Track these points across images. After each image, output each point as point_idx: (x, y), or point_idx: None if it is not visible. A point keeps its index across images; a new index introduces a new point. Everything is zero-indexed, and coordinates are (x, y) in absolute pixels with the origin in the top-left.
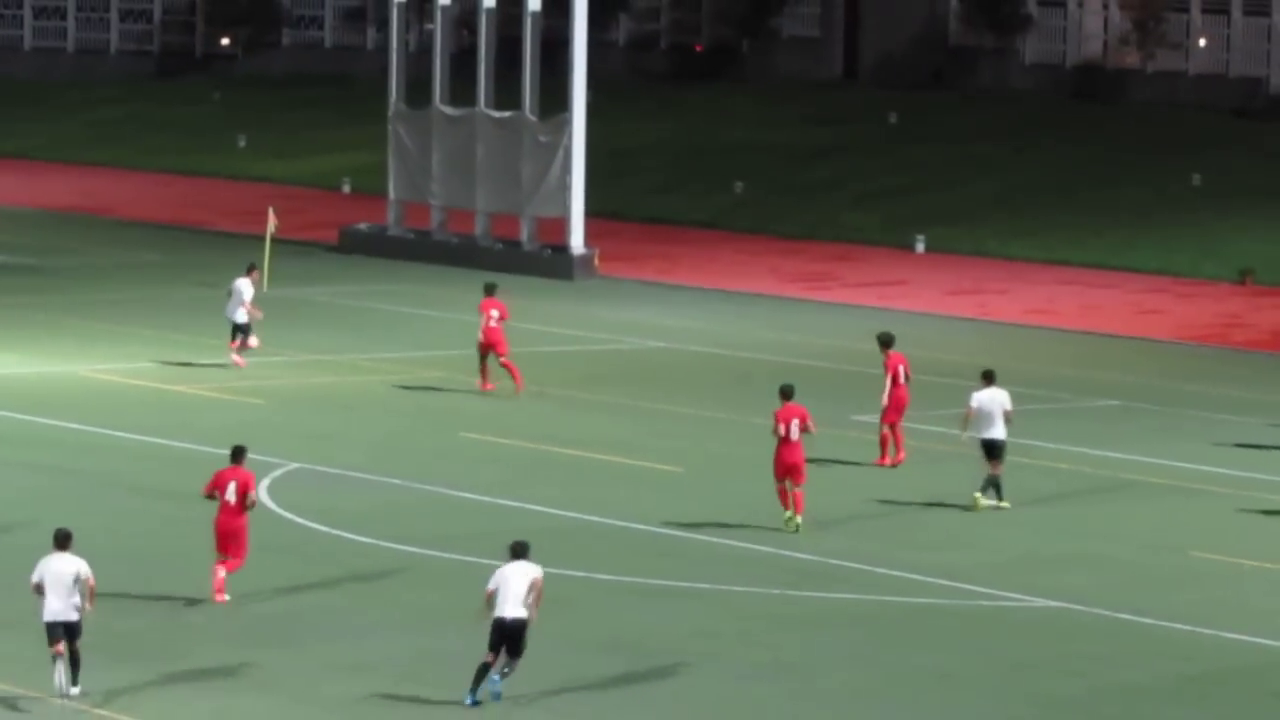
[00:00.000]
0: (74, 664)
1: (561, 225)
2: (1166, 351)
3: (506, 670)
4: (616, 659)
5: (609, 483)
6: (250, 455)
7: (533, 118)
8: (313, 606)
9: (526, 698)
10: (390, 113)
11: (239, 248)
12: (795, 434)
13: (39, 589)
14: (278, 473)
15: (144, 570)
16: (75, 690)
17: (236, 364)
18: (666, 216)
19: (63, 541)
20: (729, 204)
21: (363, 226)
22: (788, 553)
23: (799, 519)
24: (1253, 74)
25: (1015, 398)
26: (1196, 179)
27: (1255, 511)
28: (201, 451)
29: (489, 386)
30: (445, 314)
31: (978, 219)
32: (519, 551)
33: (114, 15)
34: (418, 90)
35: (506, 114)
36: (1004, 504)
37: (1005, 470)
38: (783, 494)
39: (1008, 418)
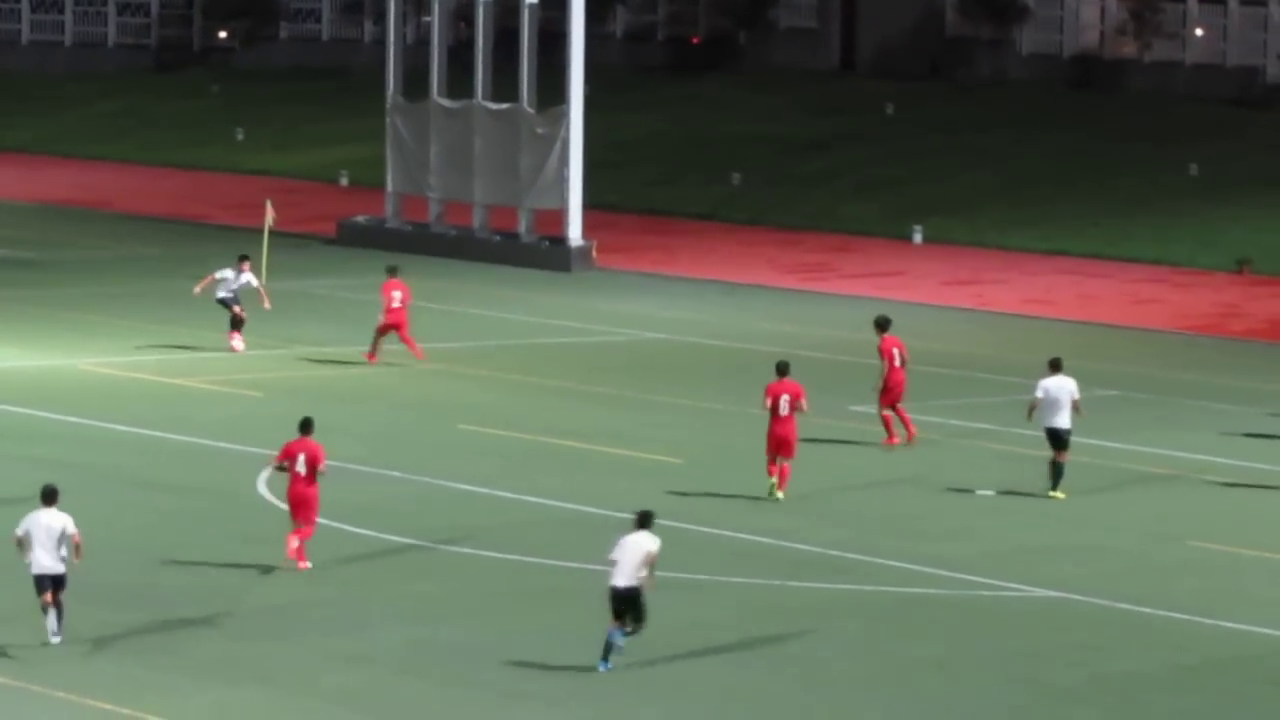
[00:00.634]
0: (58, 614)
1: (559, 217)
2: (1164, 341)
3: (630, 630)
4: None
5: (608, 474)
6: (247, 448)
7: (530, 110)
8: (311, 599)
9: (525, 691)
10: (388, 105)
11: (237, 241)
12: (785, 409)
13: (21, 543)
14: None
15: (143, 563)
16: (58, 639)
17: (235, 349)
18: (664, 208)
19: (49, 497)
20: (727, 195)
21: (361, 219)
22: (787, 543)
23: (780, 493)
24: (1250, 63)
25: (1013, 388)
26: (1194, 169)
27: (1254, 501)
28: (200, 445)
29: (375, 359)
30: (443, 306)
31: (975, 209)
32: (643, 521)
33: (111, 9)
34: (415, 83)
35: (504, 106)
36: (1059, 494)
37: (1010, 462)
38: (771, 466)
39: (1075, 406)
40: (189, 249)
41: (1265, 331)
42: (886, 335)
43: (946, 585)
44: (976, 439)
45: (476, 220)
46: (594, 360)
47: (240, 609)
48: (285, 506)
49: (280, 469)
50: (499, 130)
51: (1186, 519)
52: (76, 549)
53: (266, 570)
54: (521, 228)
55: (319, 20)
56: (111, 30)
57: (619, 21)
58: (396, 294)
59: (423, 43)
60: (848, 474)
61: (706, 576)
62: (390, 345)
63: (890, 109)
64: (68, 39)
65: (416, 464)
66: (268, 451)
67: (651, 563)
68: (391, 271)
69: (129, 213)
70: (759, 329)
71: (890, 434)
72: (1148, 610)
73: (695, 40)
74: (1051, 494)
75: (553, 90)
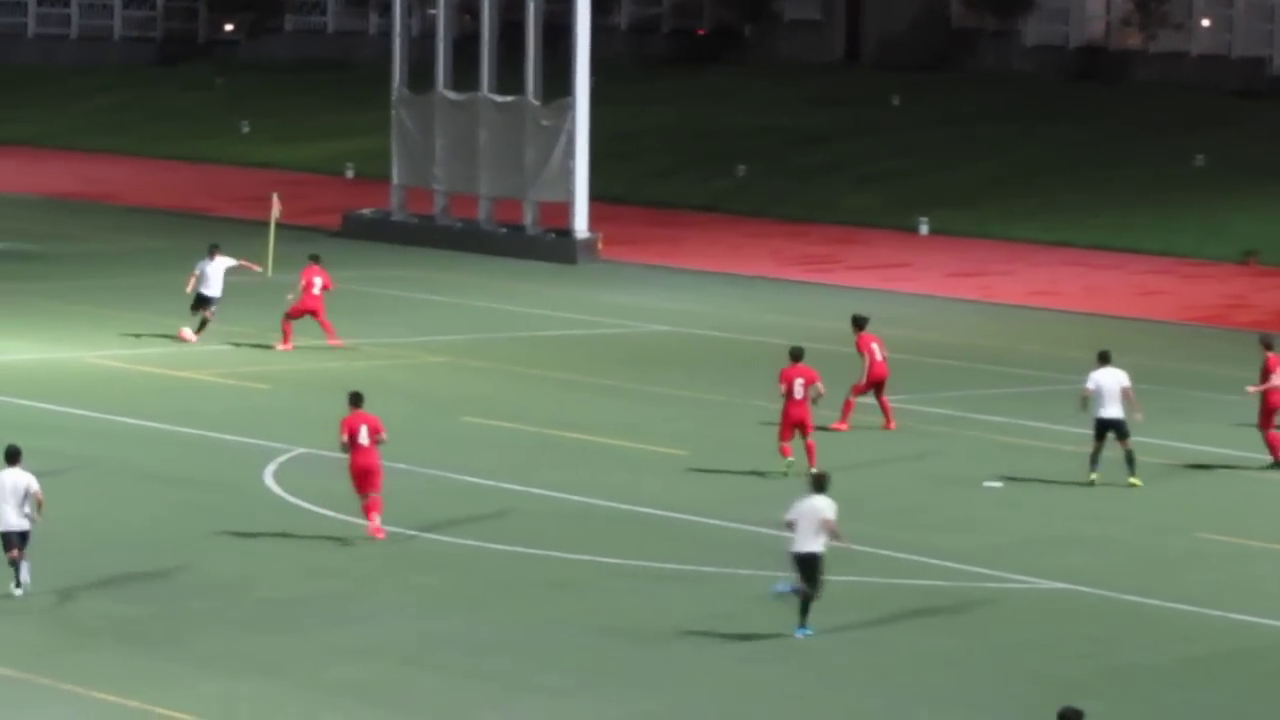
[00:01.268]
0: (25, 567)
1: (565, 209)
2: (1170, 332)
3: (809, 595)
4: (622, 642)
5: (613, 466)
6: (254, 440)
7: (535, 102)
8: (317, 591)
9: (532, 683)
10: (393, 98)
11: (243, 233)
12: (800, 393)
13: None
14: (283, 458)
15: (150, 555)
16: (19, 591)
17: (186, 338)
18: (669, 200)
19: (13, 457)
20: (731, 187)
21: (366, 212)
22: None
23: (815, 468)
24: (1255, 54)
25: (1018, 380)
26: (1199, 160)
27: (1261, 492)
28: (207, 437)
29: (289, 347)
30: (449, 299)
31: (981, 201)
32: (819, 485)
33: (117, 2)
34: (420, 75)
35: (509, 98)
36: (1136, 480)
37: (1017, 454)
38: (786, 446)
39: (1127, 395)
40: (195, 241)
41: (1272, 322)
42: (863, 333)
43: (953, 577)
44: (982, 430)
45: (482, 212)
46: (599, 352)
47: (247, 601)
48: (292, 498)
49: (344, 449)
50: (504, 122)
51: (1193, 510)
52: (39, 506)
53: (272, 562)
54: (527, 220)
55: (324, 12)
56: (117, 23)
57: (624, 13)
58: (317, 279)
59: (428, 35)
60: (853, 466)
61: (713, 569)
62: (394, 339)
63: (895, 100)
64: (73, 32)
65: (422, 456)
66: (275, 444)
67: (831, 529)
68: (314, 259)
69: (135, 205)
70: (764, 321)
71: (843, 419)
72: (1155, 602)
73: (700, 32)
74: (1131, 481)
75: (558, 82)
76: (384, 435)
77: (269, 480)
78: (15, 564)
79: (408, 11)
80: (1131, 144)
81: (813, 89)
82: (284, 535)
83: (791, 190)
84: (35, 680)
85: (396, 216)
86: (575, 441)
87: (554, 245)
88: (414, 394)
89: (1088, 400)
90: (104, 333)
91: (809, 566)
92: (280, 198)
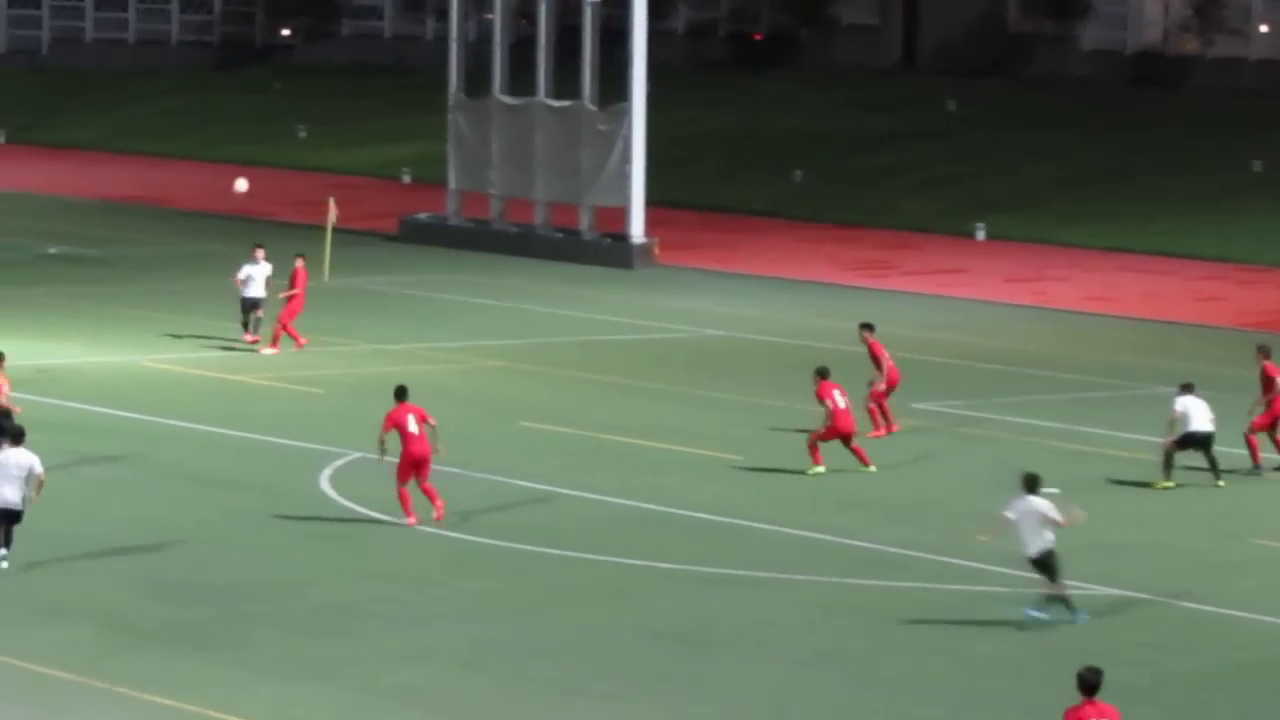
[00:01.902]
0: (7, 542)
1: (621, 214)
2: (1227, 338)
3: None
4: (676, 647)
5: (668, 471)
6: (308, 444)
7: (592, 107)
8: (372, 595)
9: (586, 688)
10: (450, 102)
11: (299, 237)
12: (843, 402)
13: None
14: (339, 462)
15: (204, 559)
16: (4, 565)
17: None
18: (725, 205)
19: (19, 437)
20: (788, 192)
21: (422, 216)
22: (847, 541)
23: (872, 466)
24: None
25: (1075, 385)
26: (1257, 165)
27: None
28: (262, 441)
29: (305, 341)
30: (504, 303)
31: (1037, 206)
32: (1032, 485)
33: (174, 6)
34: (477, 80)
35: (566, 103)
36: (1221, 483)
37: (1073, 460)
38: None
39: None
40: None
41: None
42: (874, 339)
43: (1008, 583)
44: (1039, 436)
45: (538, 217)
46: (654, 357)
47: (302, 605)
48: (347, 502)
49: (381, 446)
50: (560, 127)
51: (1250, 517)
52: (39, 487)
53: (328, 567)
54: (583, 224)
55: (381, 17)
56: (174, 28)
57: (681, 18)
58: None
59: (484, 40)
60: (908, 472)
61: (767, 574)
62: (450, 343)
63: (952, 105)
64: (131, 36)
65: (477, 460)
66: (330, 448)
67: (1058, 522)
68: (301, 256)
69: (191, 210)
70: (819, 326)
71: (879, 426)
72: (1210, 609)
73: (757, 37)
74: (1218, 484)
75: (614, 87)
76: (433, 421)
77: (324, 484)
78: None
79: (464, 16)
80: (1189, 149)
81: (869, 94)
82: (339, 539)
83: (848, 195)
84: (90, 684)
85: (453, 221)
86: (630, 446)
87: (610, 250)
88: (469, 398)
89: (1174, 424)
90: (159, 337)
91: (1045, 564)
92: (336, 202)
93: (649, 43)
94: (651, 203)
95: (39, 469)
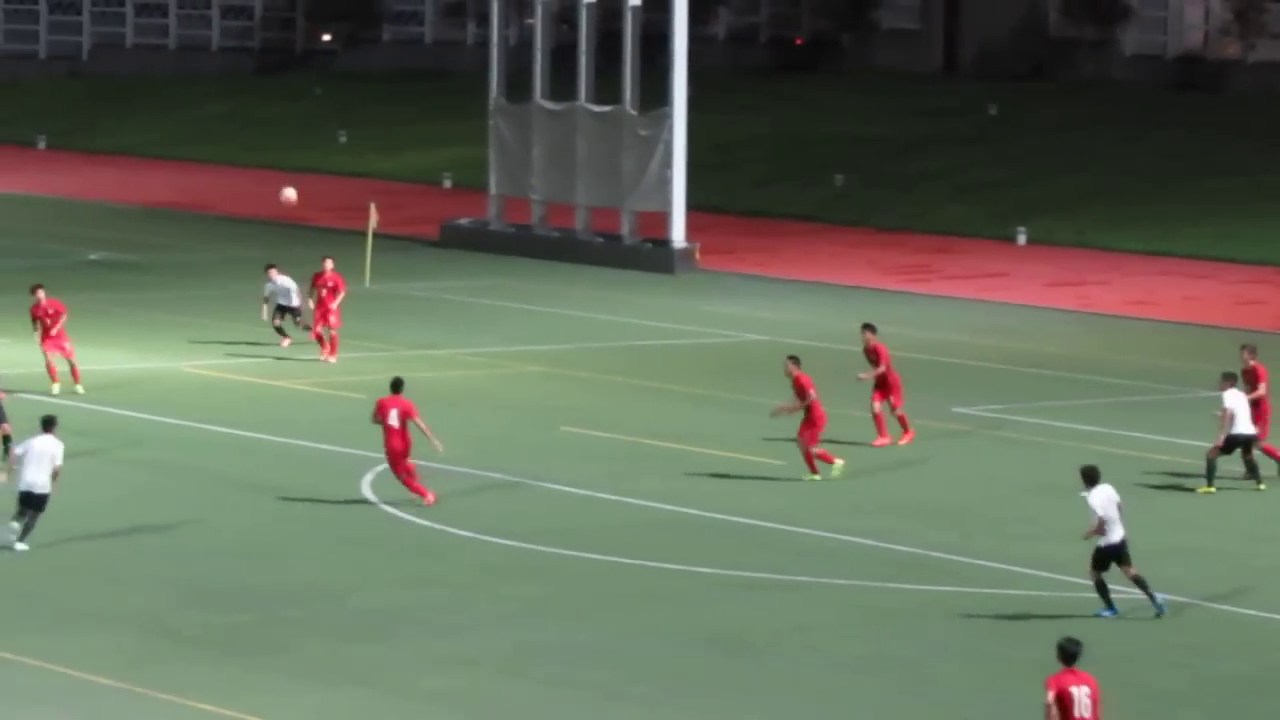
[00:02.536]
0: (29, 527)
1: (662, 219)
2: (1268, 342)
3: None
4: (718, 652)
5: (710, 476)
6: (351, 450)
7: (633, 112)
8: (414, 600)
9: (628, 693)
10: (491, 107)
11: (340, 243)
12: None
13: (19, 460)
14: (380, 467)
15: (247, 564)
16: (23, 546)
17: (286, 343)
18: (767, 210)
19: (49, 424)
20: (829, 197)
21: (464, 221)
22: (889, 545)
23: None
24: None
25: (1116, 389)
26: None
27: None
28: (302, 447)
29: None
30: (546, 308)
31: (1079, 210)
32: (1094, 478)
33: (215, 12)
34: (518, 85)
35: (607, 108)
36: (1262, 485)
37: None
38: (818, 455)
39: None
40: (291, 251)
41: None
42: (877, 341)
43: (1049, 587)
44: (1080, 440)
45: (579, 222)
46: (696, 362)
47: (343, 611)
48: (389, 508)
49: (376, 423)
50: (602, 132)
51: None
52: (55, 476)
53: (368, 572)
54: (624, 229)
55: (421, 22)
56: (215, 33)
57: (721, 23)
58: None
59: (525, 45)
60: (950, 475)
61: (808, 578)
62: (491, 348)
63: (993, 110)
64: (172, 42)
65: (519, 466)
66: (371, 454)
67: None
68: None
69: (232, 215)
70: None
71: (882, 432)
72: (1252, 612)
73: (798, 41)
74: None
75: (655, 92)
76: (416, 419)
77: (365, 489)
78: (25, 521)
79: (505, 22)
80: (1230, 153)
81: (910, 98)
82: (380, 545)
83: (889, 200)
84: (133, 690)
85: (494, 226)
86: (671, 451)
87: (651, 255)
88: (511, 404)
89: (1225, 423)
90: (199, 342)
91: (1121, 552)
92: (377, 207)
93: (690, 47)
94: (692, 207)
95: (59, 460)
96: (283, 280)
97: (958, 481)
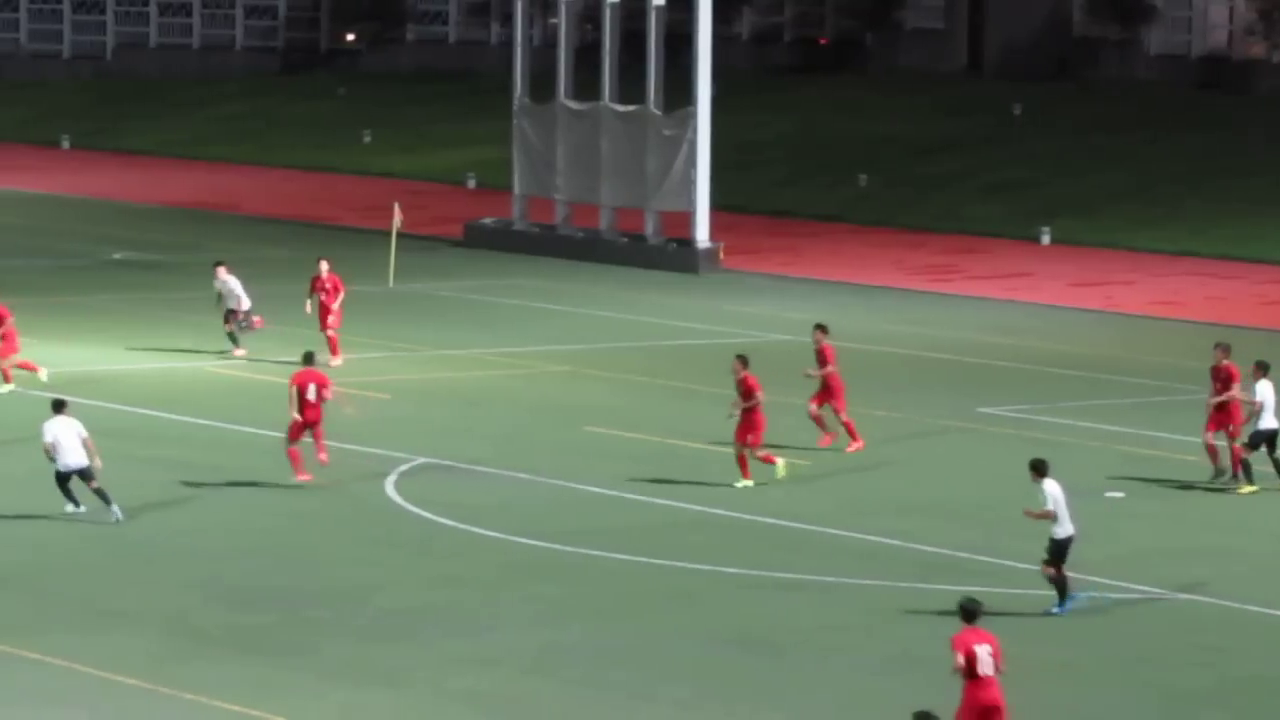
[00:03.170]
0: (103, 499)
1: (686, 219)
2: None
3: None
4: (744, 653)
5: (735, 476)
6: (374, 450)
7: (657, 112)
8: (439, 600)
9: (653, 694)
10: (515, 107)
11: (364, 243)
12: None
13: (53, 448)
14: (404, 467)
15: (271, 564)
16: (117, 513)
17: (239, 353)
18: (791, 209)
19: (60, 406)
20: (853, 197)
21: (487, 221)
22: (916, 545)
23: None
24: None
25: (1142, 390)
26: None
27: None
28: (329, 446)
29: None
30: (570, 308)
31: (1103, 211)
32: (1043, 470)
33: (239, 12)
34: (542, 85)
35: (631, 108)
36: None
37: (1139, 464)
38: (760, 458)
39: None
40: (316, 251)
41: None
42: (827, 342)
43: (1074, 588)
44: (1105, 441)
45: (603, 222)
46: (720, 362)
47: (368, 611)
48: (413, 508)
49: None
50: (626, 132)
51: None
52: (92, 449)
53: (394, 572)
54: (648, 229)
55: (445, 22)
56: (239, 33)
57: (745, 23)
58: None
59: (549, 45)
60: (975, 476)
61: (834, 579)
62: (515, 348)
63: (1018, 109)
64: (195, 42)
65: (543, 466)
66: (396, 453)
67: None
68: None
69: (256, 215)
70: (885, 330)
71: (826, 432)
72: (1277, 613)
73: (822, 41)
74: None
75: (679, 92)
76: (328, 393)
77: (390, 490)
78: (100, 494)
79: (529, 21)
80: (1254, 153)
81: (935, 98)
82: (404, 545)
83: (913, 200)
84: (158, 690)
85: (518, 226)
86: (695, 450)
87: (675, 255)
88: (535, 404)
89: (1258, 413)
90: (224, 342)
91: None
92: (401, 207)
93: (714, 47)
94: (716, 207)
95: (84, 431)
96: (231, 280)
97: (982, 482)
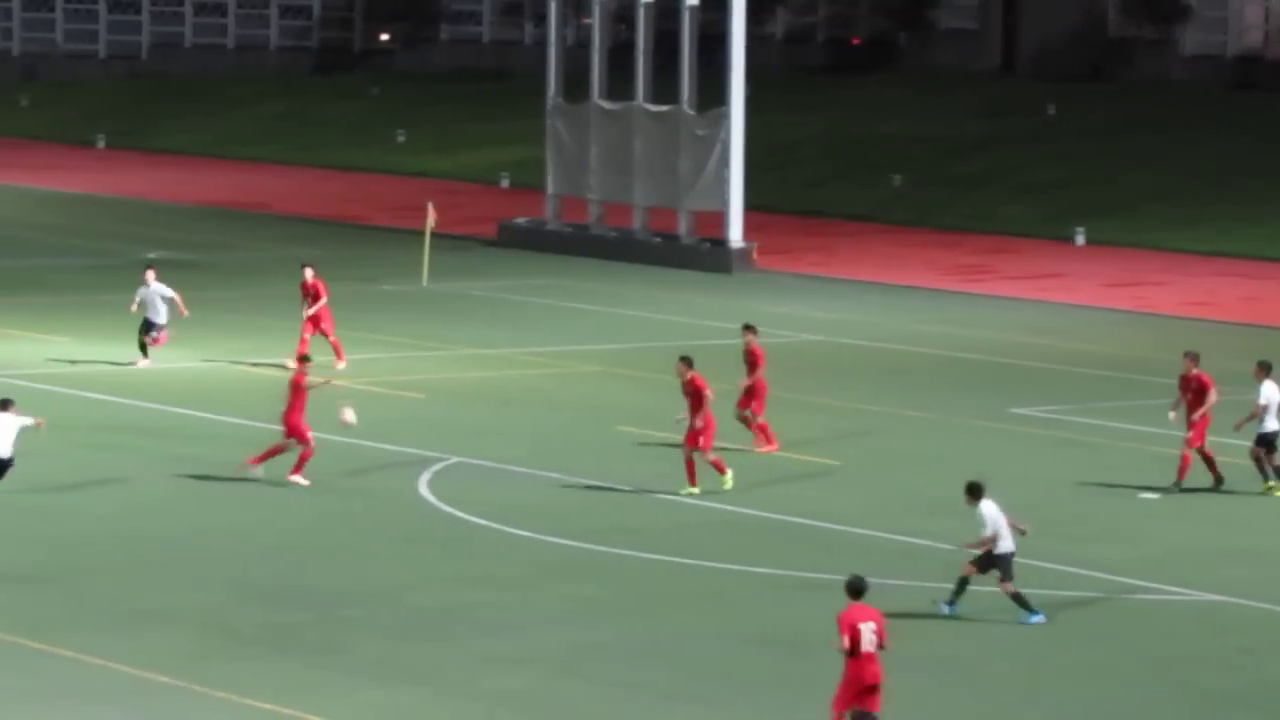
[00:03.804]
0: None
1: (719, 219)
2: None
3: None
4: (774, 652)
5: (766, 476)
6: (408, 449)
7: (690, 111)
8: (471, 600)
9: (687, 692)
10: (548, 107)
11: (398, 243)
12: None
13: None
14: (437, 466)
15: (304, 563)
16: None
17: (143, 364)
18: (824, 209)
19: (5, 405)
20: (886, 197)
21: (521, 221)
22: (945, 545)
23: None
24: None
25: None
26: None
27: None
28: (361, 446)
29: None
30: (603, 308)
31: (1137, 211)
32: (979, 493)
33: (274, 12)
34: (575, 85)
35: (664, 108)
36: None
37: (1172, 465)
38: (711, 462)
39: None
40: (349, 250)
41: None
42: (757, 344)
43: (1106, 589)
44: (1138, 441)
45: (636, 222)
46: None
47: (401, 610)
48: (446, 507)
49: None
50: (659, 132)
51: None
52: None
53: (426, 571)
54: (681, 229)
55: (479, 22)
56: (273, 33)
57: (779, 23)
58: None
59: (583, 45)
60: (1006, 476)
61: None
62: (548, 348)
63: (1051, 110)
64: (230, 42)
65: (575, 465)
66: (429, 453)
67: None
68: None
69: (289, 214)
70: (917, 331)
71: (770, 440)
72: None
73: (855, 41)
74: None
75: (713, 92)
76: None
77: (423, 489)
78: None
79: (563, 21)
80: None
81: (968, 98)
82: (437, 544)
83: (947, 200)
84: (189, 688)
85: (551, 226)
86: (728, 451)
87: (708, 255)
88: (568, 403)
89: (1259, 417)
90: (258, 341)
91: (1009, 564)
92: (435, 207)
93: (747, 47)
94: (750, 207)
95: (29, 420)
96: (156, 287)
97: (1014, 482)
